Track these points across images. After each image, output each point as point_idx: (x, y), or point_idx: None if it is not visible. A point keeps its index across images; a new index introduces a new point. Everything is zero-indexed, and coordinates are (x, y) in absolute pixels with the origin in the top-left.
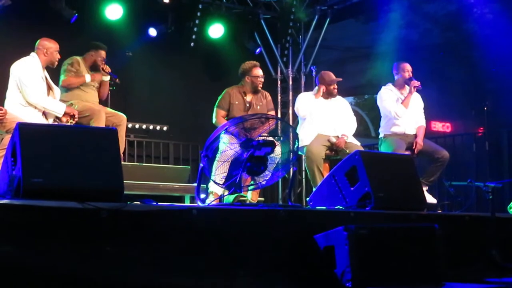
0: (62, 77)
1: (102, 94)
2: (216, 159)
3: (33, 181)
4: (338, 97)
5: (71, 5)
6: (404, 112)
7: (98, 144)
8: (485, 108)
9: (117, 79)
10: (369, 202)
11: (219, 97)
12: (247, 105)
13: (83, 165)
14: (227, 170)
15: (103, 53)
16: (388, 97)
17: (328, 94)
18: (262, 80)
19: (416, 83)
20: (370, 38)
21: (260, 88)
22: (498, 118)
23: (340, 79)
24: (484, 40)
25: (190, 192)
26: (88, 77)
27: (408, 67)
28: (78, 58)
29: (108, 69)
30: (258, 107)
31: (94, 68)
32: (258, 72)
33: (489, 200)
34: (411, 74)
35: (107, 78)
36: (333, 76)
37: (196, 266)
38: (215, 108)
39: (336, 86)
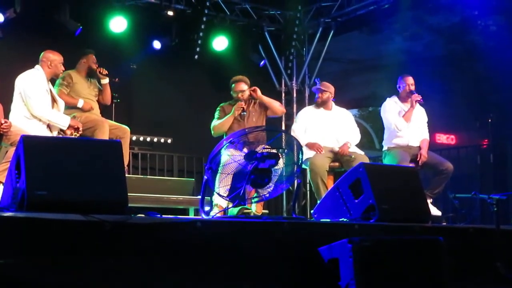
0: (57, 90)
1: (106, 98)
2: (219, 171)
3: (37, 193)
4: (341, 109)
5: (76, 17)
6: (404, 125)
7: (102, 156)
8: (490, 120)
9: (116, 79)
10: (373, 215)
11: (216, 114)
12: (244, 113)
13: (87, 177)
14: (230, 183)
15: (93, 57)
16: (391, 109)
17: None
18: (245, 93)
19: (417, 97)
20: (374, 50)
21: (244, 99)
22: (502, 130)
23: (319, 87)
24: (488, 52)
25: (194, 204)
26: (81, 102)
27: (409, 80)
28: (70, 71)
29: (104, 71)
30: (254, 118)
31: (91, 74)
32: (238, 87)
33: (494, 212)
34: (412, 88)
35: (106, 80)
36: (321, 85)
37: (200, 279)
38: (213, 123)
39: (321, 95)
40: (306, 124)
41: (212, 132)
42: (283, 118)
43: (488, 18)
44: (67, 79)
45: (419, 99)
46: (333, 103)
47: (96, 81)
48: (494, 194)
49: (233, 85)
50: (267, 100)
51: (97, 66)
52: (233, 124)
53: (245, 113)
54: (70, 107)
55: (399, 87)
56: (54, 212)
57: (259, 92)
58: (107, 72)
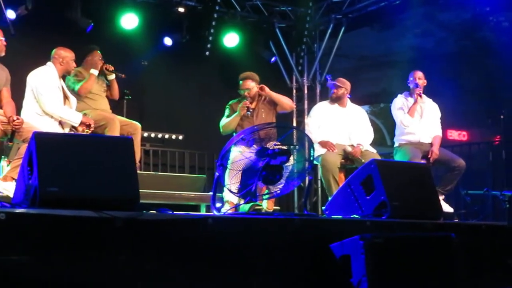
0: (75, 87)
1: (114, 93)
2: (228, 168)
3: (49, 190)
4: (355, 106)
5: (87, 14)
6: (410, 121)
7: (114, 153)
8: (502, 117)
9: (123, 75)
10: (385, 211)
11: (225, 112)
12: (248, 113)
13: (99, 174)
14: (239, 180)
15: (98, 53)
16: (399, 105)
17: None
18: (251, 91)
19: (418, 90)
20: (385, 47)
21: (251, 97)
22: None
23: (334, 83)
24: (500, 48)
25: (206, 201)
26: (94, 71)
27: (417, 74)
28: (79, 68)
29: (111, 67)
30: (263, 115)
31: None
32: (244, 85)
33: (506, 209)
34: (418, 81)
35: (112, 76)
36: (336, 81)
37: (211, 275)
38: (222, 122)
39: (336, 91)
40: (320, 119)
41: (221, 130)
42: (294, 114)
43: (500, 14)
44: (79, 75)
45: (418, 93)
46: (348, 100)
47: (103, 77)
48: (507, 191)
49: (240, 82)
50: (276, 96)
51: (103, 62)
52: (243, 121)
53: (249, 112)
54: (82, 101)
55: (409, 82)
56: (66, 209)
57: (267, 89)
58: (113, 68)
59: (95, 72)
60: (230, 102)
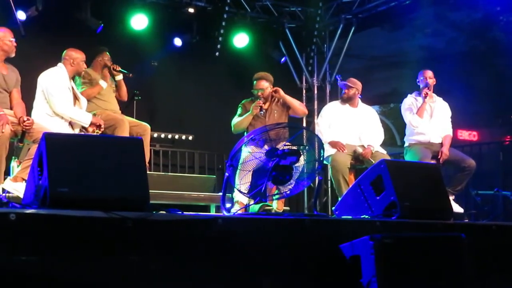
0: (79, 89)
1: (122, 94)
2: (239, 168)
3: (59, 190)
4: (367, 107)
5: (97, 15)
6: (419, 121)
7: (123, 153)
8: None
9: (130, 74)
10: (395, 211)
11: (237, 110)
12: (261, 113)
13: (109, 174)
14: (249, 180)
15: (107, 54)
16: (407, 105)
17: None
18: (265, 91)
19: (425, 90)
20: (395, 47)
21: (264, 97)
22: None
23: (346, 83)
24: (510, 47)
25: (216, 201)
26: (103, 83)
27: (427, 73)
28: (87, 69)
29: (118, 67)
30: (276, 116)
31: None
32: (257, 85)
33: None
34: (428, 80)
35: (120, 77)
36: (347, 81)
37: (221, 276)
38: (233, 120)
39: (347, 92)
40: (331, 119)
41: (232, 129)
42: None
43: (510, 14)
44: (86, 77)
45: (425, 92)
46: (359, 100)
47: (112, 78)
48: None
49: (254, 82)
50: (289, 99)
51: (111, 63)
52: (255, 121)
53: (262, 112)
54: (91, 101)
55: (419, 81)
56: (76, 209)
57: (281, 92)
58: (120, 68)
59: (103, 84)
60: (243, 101)
